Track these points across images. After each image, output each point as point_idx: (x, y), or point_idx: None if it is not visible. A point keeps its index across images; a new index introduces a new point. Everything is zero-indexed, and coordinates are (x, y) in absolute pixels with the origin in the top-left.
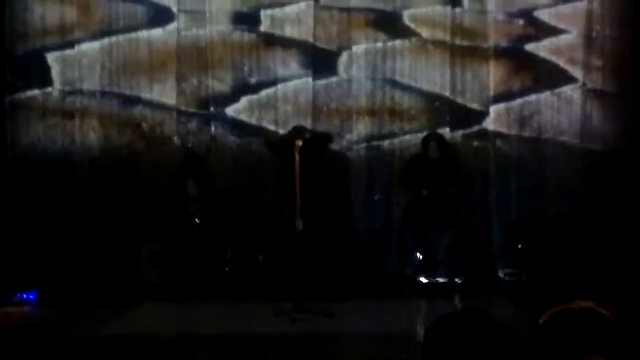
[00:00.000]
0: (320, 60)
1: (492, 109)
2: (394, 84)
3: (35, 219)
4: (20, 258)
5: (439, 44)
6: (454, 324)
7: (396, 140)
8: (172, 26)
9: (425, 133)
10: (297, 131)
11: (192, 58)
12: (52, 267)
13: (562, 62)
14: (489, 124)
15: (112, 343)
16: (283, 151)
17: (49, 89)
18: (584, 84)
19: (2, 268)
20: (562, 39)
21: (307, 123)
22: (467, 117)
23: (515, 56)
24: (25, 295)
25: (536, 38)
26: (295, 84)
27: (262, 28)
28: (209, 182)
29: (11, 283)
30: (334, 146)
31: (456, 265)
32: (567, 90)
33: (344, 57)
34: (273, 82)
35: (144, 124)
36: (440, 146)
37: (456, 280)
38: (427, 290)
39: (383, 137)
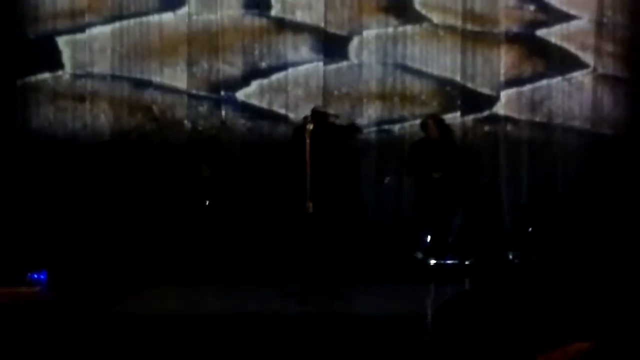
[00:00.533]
0: (331, 45)
1: (503, 94)
2: (405, 68)
3: (46, 200)
4: (31, 239)
5: (449, 29)
6: (462, 306)
7: (407, 125)
8: (183, 10)
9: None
10: (314, 113)
11: (203, 42)
12: (62, 247)
13: (573, 48)
14: (500, 108)
15: (121, 322)
16: (298, 134)
17: (60, 73)
18: (594, 70)
19: (13, 248)
20: (573, 25)
21: None
22: (478, 102)
23: (526, 42)
24: (35, 275)
25: (547, 24)
26: (306, 68)
27: (273, 12)
28: (221, 165)
29: (21, 263)
30: None
31: (466, 248)
32: (578, 75)
33: (354, 42)
34: (284, 67)
35: (154, 107)
36: (439, 127)
37: (466, 262)
38: (437, 272)
39: (393, 121)
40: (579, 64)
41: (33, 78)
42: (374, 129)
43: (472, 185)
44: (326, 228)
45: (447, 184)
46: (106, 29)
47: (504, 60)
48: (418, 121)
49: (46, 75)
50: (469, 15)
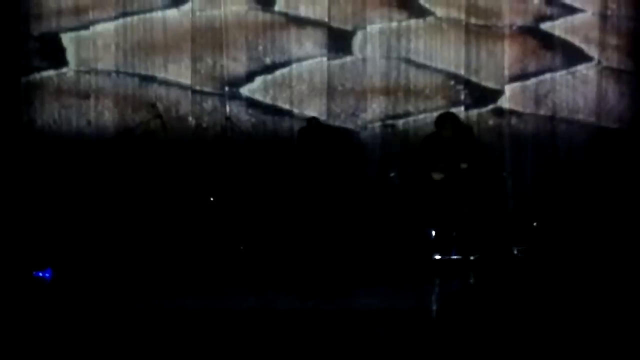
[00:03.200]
0: (335, 40)
1: (508, 88)
2: (409, 63)
3: (51, 197)
4: (36, 236)
5: (454, 22)
6: (467, 300)
7: (411, 119)
8: (186, 6)
9: (439, 112)
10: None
11: (207, 38)
12: (66, 245)
13: (577, 41)
14: (504, 102)
15: (124, 319)
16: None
17: (64, 70)
18: (599, 63)
19: (18, 246)
20: (578, 18)
21: (322, 103)
22: (483, 95)
23: (530, 35)
24: (40, 274)
25: (551, 17)
26: (310, 63)
27: (277, 8)
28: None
29: (26, 261)
30: (349, 125)
31: (470, 243)
32: (582, 69)
33: (358, 37)
34: (288, 62)
35: (158, 104)
36: (454, 126)
37: (470, 257)
38: (442, 268)
39: (398, 116)
40: (583, 57)
41: (37, 75)
42: (378, 123)
43: (478, 180)
44: (330, 224)
45: (451, 180)
46: (110, 25)
47: (508, 53)
48: (422, 116)
49: (50, 72)
50: (473, 8)
